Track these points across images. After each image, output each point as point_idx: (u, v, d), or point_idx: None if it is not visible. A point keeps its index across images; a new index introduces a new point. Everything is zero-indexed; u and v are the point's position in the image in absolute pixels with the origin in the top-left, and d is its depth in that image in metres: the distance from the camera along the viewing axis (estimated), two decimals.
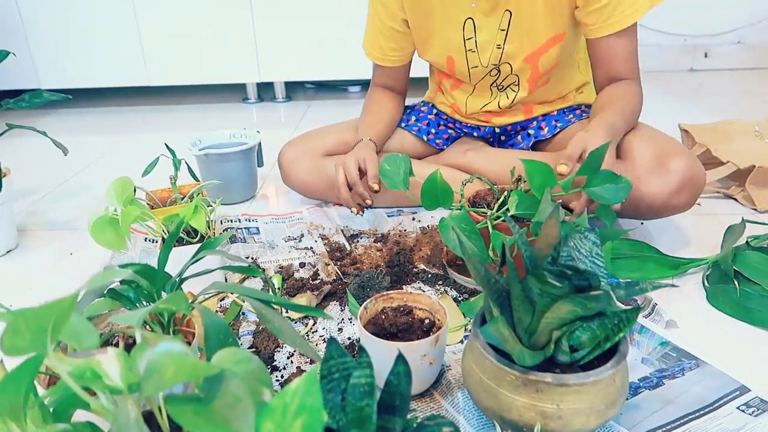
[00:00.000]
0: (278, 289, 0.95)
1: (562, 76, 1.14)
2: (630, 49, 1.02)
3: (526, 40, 1.05)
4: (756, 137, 1.38)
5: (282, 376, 0.76)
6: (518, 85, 1.12)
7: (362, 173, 1.07)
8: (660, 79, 2.38)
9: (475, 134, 1.26)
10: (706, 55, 2.51)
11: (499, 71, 1.10)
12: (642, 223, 1.13)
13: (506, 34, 1.04)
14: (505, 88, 1.14)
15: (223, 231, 1.15)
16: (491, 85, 1.14)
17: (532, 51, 1.06)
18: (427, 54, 1.16)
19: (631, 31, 1.00)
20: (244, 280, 0.98)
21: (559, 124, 1.17)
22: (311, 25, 2.08)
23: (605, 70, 1.05)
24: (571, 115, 1.17)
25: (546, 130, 1.18)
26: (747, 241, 1.00)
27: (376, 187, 1.05)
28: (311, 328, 0.86)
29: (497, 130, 1.23)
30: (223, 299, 0.93)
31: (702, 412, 0.67)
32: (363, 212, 1.10)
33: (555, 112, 1.19)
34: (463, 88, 1.19)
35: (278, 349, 0.81)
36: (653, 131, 1.02)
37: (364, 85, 2.41)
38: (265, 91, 2.39)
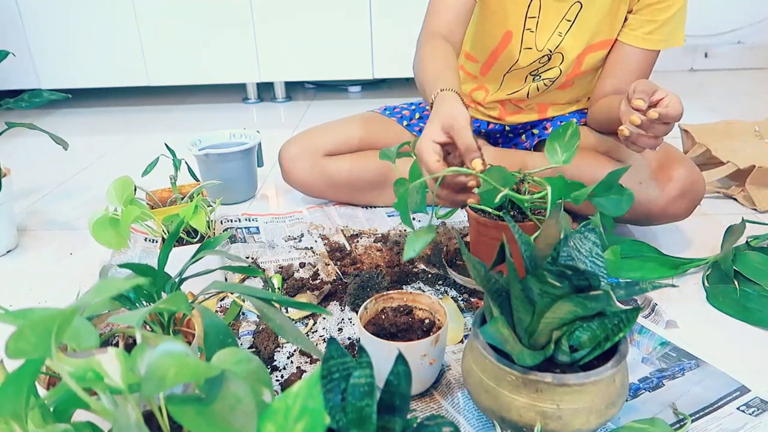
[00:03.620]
0: (278, 289, 0.95)
1: (587, 82, 1.15)
2: (647, 72, 1.05)
3: (587, 35, 1.05)
4: (756, 137, 1.38)
5: (282, 376, 0.76)
6: (554, 81, 1.11)
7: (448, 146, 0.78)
8: (660, 79, 2.38)
9: (483, 130, 1.26)
10: (706, 55, 2.51)
11: (549, 59, 1.08)
12: None
13: (571, 25, 1.04)
14: (541, 79, 1.12)
15: (223, 231, 1.15)
16: (530, 73, 1.12)
17: (586, 47, 1.06)
18: (486, 23, 1.07)
19: (654, 57, 1.04)
20: (244, 280, 0.98)
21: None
22: (311, 25, 2.08)
23: (617, 80, 1.06)
24: (574, 119, 1.17)
25: (550, 130, 1.18)
26: (747, 241, 1.00)
27: (479, 166, 0.72)
28: (311, 328, 0.86)
29: (507, 128, 1.23)
30: (223, 299, 0.93)
31: (702, 413, 0.67)
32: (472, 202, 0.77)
33: (566, 114, 1.20)
34: (494, 72, 1.15)
35: (278, 349, 0.81)
36: None
37: (365, 85, 2.41)
38: (265, 91, 2.39)
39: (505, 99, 1.18)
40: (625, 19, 1.03)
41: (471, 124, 0.76)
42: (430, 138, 0.75)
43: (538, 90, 1.13)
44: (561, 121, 1.18)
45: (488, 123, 1.24)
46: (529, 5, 1.04)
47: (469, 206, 0.90)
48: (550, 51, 1.07)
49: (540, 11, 1.04)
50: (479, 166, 0.72)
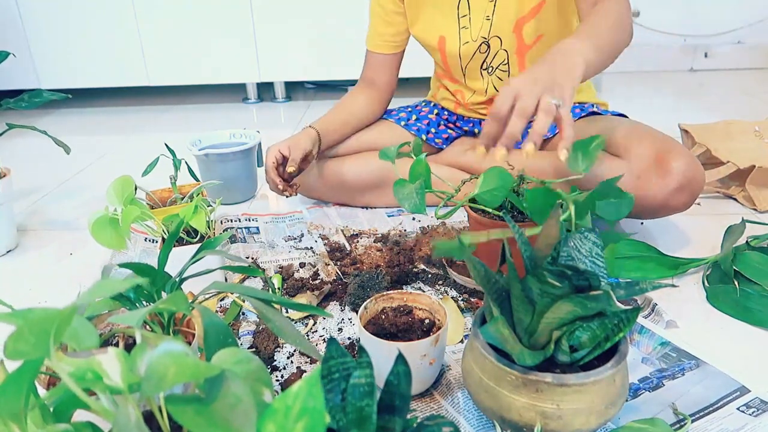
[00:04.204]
0: (278, 289, 0.95)
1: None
2: None
3: (512, 8, 1.07)
4: (756, 137, 1.38)
5: (282, 376, 0.76)
6: (508, 63, 1.13)
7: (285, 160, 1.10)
8: (660, 79, 2.38)
9: (476, 130, 1.26)
10: (706, 55, 2.51)
11: (488, 47, 1.12)
12: (642, 223, 1.13)
13: (495, 5, 1.07)
14: (495, 69, 1.15)
15: (223, 231, 1.15)
16: (481, 67, 1.16)
17: (518, 19, 1.08)
18: (414, 28, 1.18)
19: None
20: (244, 280, 0.98)
21: None
22: (311, 25, 2.08)
23: None
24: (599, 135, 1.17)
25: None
26: (747, 241, 1.00)
27: (290, 169, 1.07)
28: (311, 329, 0.86)
29: None
30: (223, 299, 0.93)
31: (702, 413, 0.67)
32: (287, 195, 1.10)
33: None
34: (455, 73, 1.20)
35: (278, 349, 0.81)
36: (652, 130, 1.02)
37: None
38: (265, 91, 2.39)
39: (485, 101, 1.20)
40: None
41: (304, 151, 1.10)
42: (276, 147, 1.10)
43: (501, 81, 1.16)
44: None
45: (480, 121, 1.25)
46: (458, 6, 1.10)
47: (469, 206, 0.90)
48: (485, 38, 1.11)
49: (470, 8, 1.09)
50: (290, 169, 1.07)
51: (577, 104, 1.20)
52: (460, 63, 1.16)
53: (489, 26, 1.09)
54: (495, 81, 1.16)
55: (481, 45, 1.12)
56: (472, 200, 0.95)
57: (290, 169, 1.07)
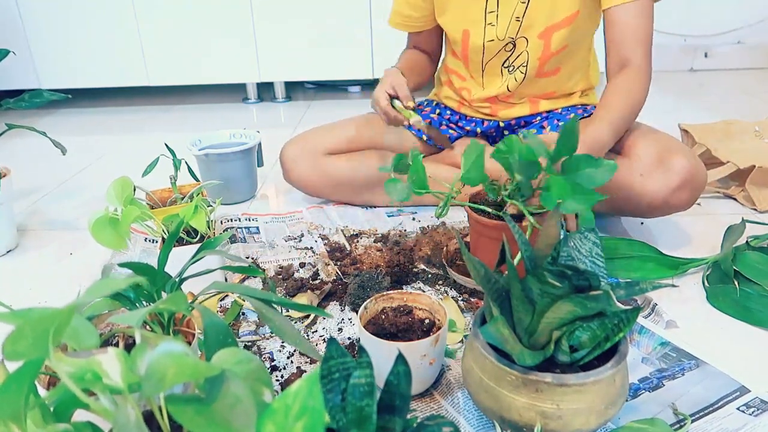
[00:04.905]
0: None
1: (571, 67, 1.15)
2: (644, 29, 1.00)
3: (546, 13, 1.05)
4: (756, 137, 1.38)
5: (282, 376, 0.76)
6: (526, 66, 1.12)
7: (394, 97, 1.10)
8: (660, 79, 2.38)
9: (478, 130, 1.26)
10: (706, 55, 2.51)
11: (514, 46, 1.10)
12: (642, 223, 1.13)
13: (527, 7, 1.05)
14: (515, 69, 1.14)
15: (223, 231, 1.15)
16: (502, 65, 1.14)
17: (548, 26, 1.06)
18: (441, 19, 1.17)
19: (647, 8, 0.99)
20: (244, 280, 0.98)
21: (560, 124, 1.17)
22: (311, 25, 2.07)
23: (617, 49, 1.03)
24: (573, 115, 1.17)
25: (548, 129, 1.18)
26: (747, 241, 1.00)
27: (411, 104, 1.07)
28: (311, 328, 0.86)
29: (501, 124, 1.23)
30: (223, 299, 0.93)
31: (702, 413, 0.67)
32: (417, 124, 1.07)
33: (559, 110, 1.19)
34: (473, 68, 1.19)
35: (278, 349, 0.81)
36: (654, 130, 1.03)
37: (365, 85, 2.41)
38: (265, 91, 2.39)
39: (491, 96, 1.19)
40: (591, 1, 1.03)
41: (406, 86, 1.10)
42: (383, 89, 1.09)
43: (516, 81, 1.15)
44: (558, 120, 1.18)
45: (483, 121, 1.25)
46: (486, 2, 1.08)
47: (469, 206, 0.90)
48: (512, 38, 1.09)
49: (498, 5, 1.07)
50: (409, 104, 1.07)
51: (579, 105, 1.20)
52: (482, 58, 1.14)
53: (518, 27, 1.07)
54: (511, 81, 1.15)
55: (507, 44, 1.11)
56: (473, 200, 0.95)
57: (410, 104, 1.07)
